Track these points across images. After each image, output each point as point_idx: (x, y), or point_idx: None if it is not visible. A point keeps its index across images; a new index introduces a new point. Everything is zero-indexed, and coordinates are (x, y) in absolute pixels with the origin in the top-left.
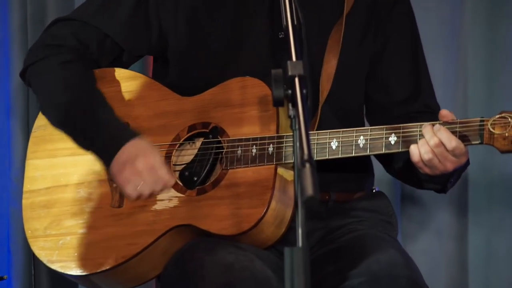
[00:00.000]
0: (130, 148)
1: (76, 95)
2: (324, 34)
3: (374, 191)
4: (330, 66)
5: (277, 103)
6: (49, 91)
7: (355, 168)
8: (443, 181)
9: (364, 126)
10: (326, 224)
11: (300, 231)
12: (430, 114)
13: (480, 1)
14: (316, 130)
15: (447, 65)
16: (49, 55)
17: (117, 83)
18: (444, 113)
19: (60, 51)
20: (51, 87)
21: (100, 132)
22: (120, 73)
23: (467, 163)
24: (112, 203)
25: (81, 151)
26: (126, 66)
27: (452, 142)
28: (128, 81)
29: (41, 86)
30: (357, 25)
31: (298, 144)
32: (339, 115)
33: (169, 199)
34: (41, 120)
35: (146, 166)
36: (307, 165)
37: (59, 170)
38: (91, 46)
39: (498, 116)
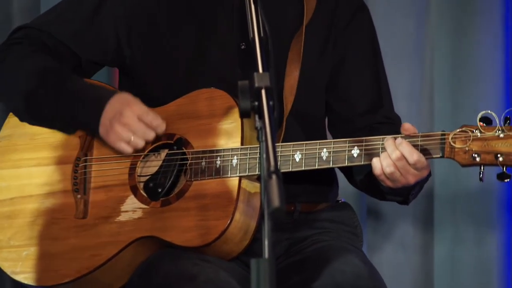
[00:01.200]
0: (114, 104)
1: (45, 76)
2: (285, 45)
3: (339, 202)
4: (292, 78)
5: (244, 114)
6: (16, 80)
7: (320, 179)
8: (405, 194)
9: (325, 137)
10: (291, 235)
11: (266, 242)
12: (391, 125)
13: (444, 14)
14: (282, 142)
15: (412, 77)
16: (14, 47)
17: None
18: (407, 126)
19: (24, 43)
20: (18, 75)
21: (78, 101)
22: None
23: (429, 175)
24: (76, 214)
25: (46, 161)
26: (88, 75)
27: (413, 155)
28: None
29: (6, 76)
30: (316, 36)
31: (264, 155)
32: (304, 127)
33: (133, 210)
34: (5, 131)
35: (133, 117)
36: (274, 176)
37: (23, 181)
38: (51, 50)
39: (459, 130)
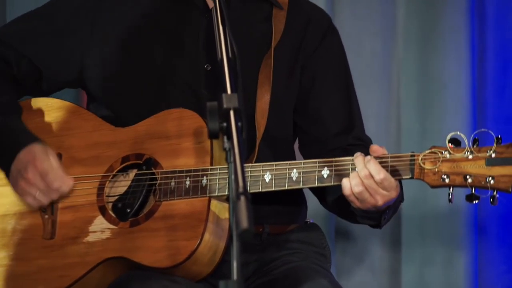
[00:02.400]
0: (22, 157)
1: None
2: (254, 68)
3: (308, 223)
4: (263, 102)
5: (213, 135)
6: None
7: (289, 200)
8: (377, 217)
9: (294, 158)
10: (260, 256)
11: (235, 263)
12: (363, 147)
13: (412, 35)
14: None
15: (380, 98)
16: None
17: (47, 113)
18: (375, 148)
19: None
20: None
21: None
22: (51, 103)
23: (401, 199)
24: (44, 235)
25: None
26: (50, 92)
27: (380, 174)
28: (59, 111)
29: None
30: (285, 58)
31: (233, 176)
32: (277, 150)
33: (101, 230)
34: None
35: (36, 174)
36: (242, 198)
37: None
38: (12, 64)
39: (428, 151)
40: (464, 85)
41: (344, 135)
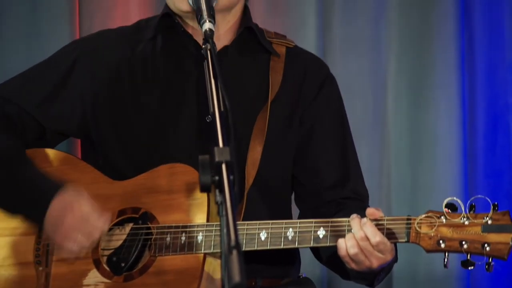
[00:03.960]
0: (57, 206)
1: None
2: (250, 121)
3: (301, 277)
4: (255, 153)
5: (204, 189)
6: None
7: (282, 254)
8: (371, 278)
9: (290, 210)
10: None
11: None
12: (359, 201)
13: (403, 90)
14: (243, 215)
15: (372, 152)
16: None
17: (47, 165)
18: (371, 211)
19: None
20: None
21: (23, 196)
22: (51, 154)
23: (395, 260)
24: (37, 287)
25: (8, 231)
26: (51, 145)
27: (376, 237)
28: (58, 163)
29: None
30: (282, 112)
31: (225, 230)
32: (265, 200)
33: (95, 284)
34: None
35: (77, 220)
36: (234, 251)
37: None
38: (14, 120)
39: (424, 215)
40: (455, 140)
41: (340, 188)
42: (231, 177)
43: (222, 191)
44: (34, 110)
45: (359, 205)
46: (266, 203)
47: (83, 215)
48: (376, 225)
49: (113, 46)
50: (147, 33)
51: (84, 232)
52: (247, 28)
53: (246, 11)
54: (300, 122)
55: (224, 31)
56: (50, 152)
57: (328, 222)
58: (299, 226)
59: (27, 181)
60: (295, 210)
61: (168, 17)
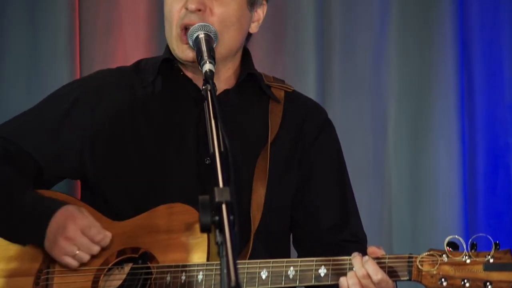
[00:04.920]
0: (59, 218)
1: None
2: (251, 162)
3: None
4: (259, 196)
5: (204, 229)
6: None
7: None
8: None
9: (289, 251)
10: None
11: None
12: (358, 244)
13: (403, 130)
14: (248, 259)
15: (372, 193)
16: None
17: None
18: (372, 250)
19: None
20: None
21: (23, 218)
22: (50, 195)
23: None
24: None
25: (5, 273)
26: (49, 185)
27: (378, 275)
28: None
29: None
30: (282, 153)
31: (225, 271)
32: (272, 244)
33: None
34: None
35: (77, 231)
36: None
37: None
38: (15, 157)
39: (426, 253)
40: (455, 181)
41: (338, 231)
42: (231, 217)
43: (222, 231)
44: (33, 151)
45: (358, 248)
46: (268, 247)
47: (84, 226)
48: (378, 263)
49: (113, 87)
50: (147, 75)
51: (84, 244)
52: (248, 73)
53: (247, 56)
54: (299, 165)
55: (225, 78)
56: (50, 194)
57: (329, 260)
58: (300, 265)
59: (29, 199)
60: (293, 254)
61: (169, 61)
